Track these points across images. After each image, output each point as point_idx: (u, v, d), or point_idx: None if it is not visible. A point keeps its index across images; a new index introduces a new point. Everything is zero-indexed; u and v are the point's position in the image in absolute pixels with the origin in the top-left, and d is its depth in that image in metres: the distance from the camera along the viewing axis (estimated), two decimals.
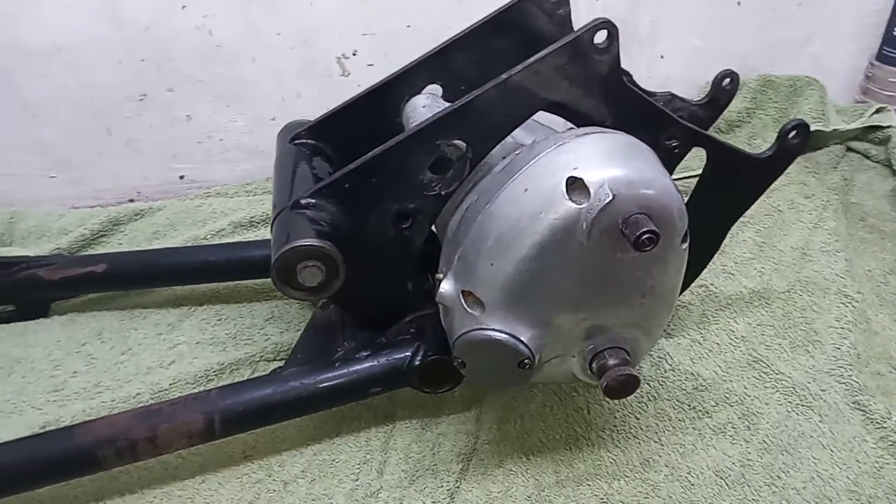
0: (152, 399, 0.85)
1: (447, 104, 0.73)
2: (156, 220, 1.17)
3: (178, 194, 1.26)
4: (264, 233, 1.14)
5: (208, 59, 1.14)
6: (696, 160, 0.74)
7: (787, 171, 0.76)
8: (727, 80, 0.85)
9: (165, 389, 0.86)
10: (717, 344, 0.88)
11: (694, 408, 0.81)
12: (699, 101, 0.87)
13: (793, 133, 0.72)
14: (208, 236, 1.12)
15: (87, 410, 0.83)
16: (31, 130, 1.16)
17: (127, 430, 0.71)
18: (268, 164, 1.21)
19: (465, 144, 0.66)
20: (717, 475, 0.73)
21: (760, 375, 0.84)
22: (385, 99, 0.82)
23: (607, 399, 0.82)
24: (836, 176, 1.18)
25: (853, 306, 0.91)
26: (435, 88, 0.83)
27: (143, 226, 1.16)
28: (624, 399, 0.82)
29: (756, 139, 1.28)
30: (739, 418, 0.79)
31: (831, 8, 1.30)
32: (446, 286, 0.65)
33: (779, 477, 0.72)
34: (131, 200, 1.26)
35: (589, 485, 0.74)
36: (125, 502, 0.75)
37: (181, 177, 1.26)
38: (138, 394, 0.85)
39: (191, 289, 1.03)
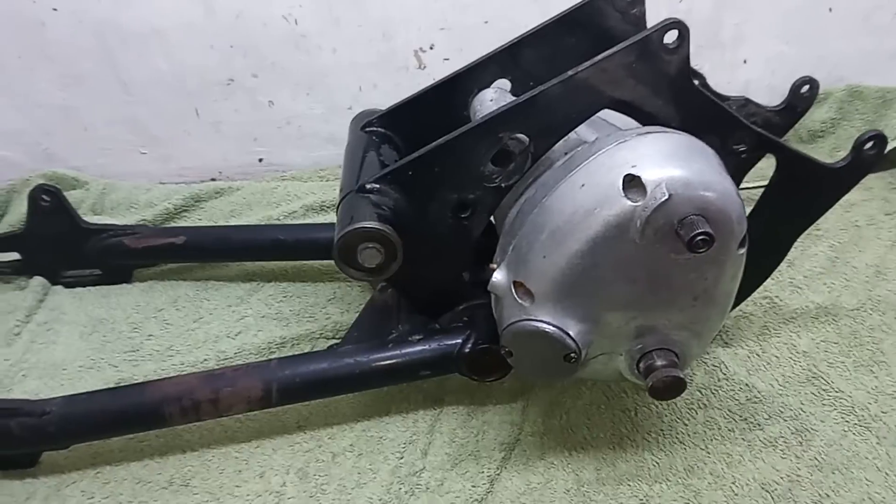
0: (218, 365, 0.90)
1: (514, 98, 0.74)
2: (234, 199, 1.23)
3: (256, 176, 1.32)
4: (333, 217, 1.17)
5: (292, 47, 1.19)
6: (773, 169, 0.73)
7: (869, 185, 0.74)
8: (806, 86, 0.83)
9: (230, 357, 0.91)
10: (777, 357, 0.86)
11: (745, 419, 0.79)
12: (775, 107, 0.86)
13: (869, 144, 0.70)
14: (281, 217, 1.17)
15: (158, 371, 0.89)
16: (127, 108, 1.23)
17: (192, 391, 0.76)
18: (341, 151, 1.25)
19: (527, 138, 0.67)
20: (763, 488, 0.72)
21: (819, 392, 0.81)
22: (454, 91, 0.84)
23: (655, 403, 0.82)
24: None
25: None
26: (504, 83, 0.84)
27: (221, 204, 1.22)
28: (673, 404, 0.81)
29: (839, 151, 1.23)
30: (792, 433, 0.77)
31: None
32: (499, 276, 0.67)
33: (827, 496, 0.71)
34: (213, 179, 1.33)
35: (630, 485, 0.74)
36: (186, 458, 0.80)
37: (260, 159, 1.32)
38: (206, 359, 0.91)
39: (261, 265, 1.08)
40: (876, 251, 1.01)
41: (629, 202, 0.58)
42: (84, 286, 1.06)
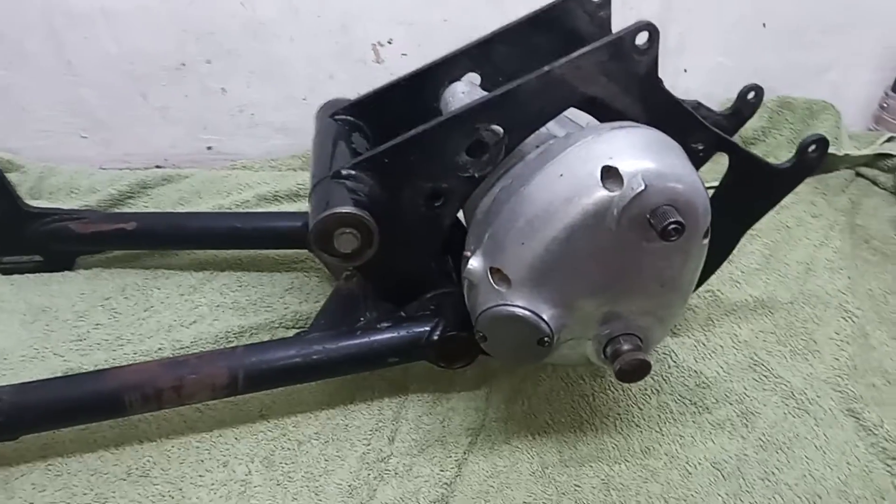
0: (174, 354, 0.87)
1: (485, 93, 0.76)
2: (182, 186, 1.19)
3: (204, 164, 1.29)
4: (287, 207, 1.17)
5: (249, 35, 1.17)
6: (711, 173, 0.77)
7: (798, 190, 0.79)
8: (752, 93, 0.88)
9: (187, 346, 0.89)
10: (721, 346, 0.92)
11: (695, 403, 0.84)
12: (724, 111, 0.91)
13: (812, 147, 0.76)
14: (232, 206, 1.15)
15: (109, 360, 0.86)
16: (70, 90, 1.19)
17: (154, 379, 0.74)
18: (294, 141, 1.24)
19: (502, 130, 0.69)
20: (714, 466, 0.77)
21: (760, 378, 0.87)
22: (424, 84, 0.85)
23: (612, 388, 0.85)
24: (844, 199, 1.22)
25: (853, 321, 0.95)
26: (474, 77, 0.86)
27: (169, 191, 1.18)
28: (628, 390, 0.85)
29: (769, 157, 1.28)
30: (738, 416, 0.82)
31: (854, 38, 1.34)
32: (475, 263, 0.68)
33: (773, 473, 0.76)
34: (158, 166, 1.29)
35: (591, 466, 0.77)
36: (144, 449, 0.78)
37: (209, 147, 1.30)
38: (160, 349, 0.88)
39: (213, 254, 1.06)
40: (806, 250, 1.09)
41: (606, 192, 0.60)
42: (22, 273, 1.01)
